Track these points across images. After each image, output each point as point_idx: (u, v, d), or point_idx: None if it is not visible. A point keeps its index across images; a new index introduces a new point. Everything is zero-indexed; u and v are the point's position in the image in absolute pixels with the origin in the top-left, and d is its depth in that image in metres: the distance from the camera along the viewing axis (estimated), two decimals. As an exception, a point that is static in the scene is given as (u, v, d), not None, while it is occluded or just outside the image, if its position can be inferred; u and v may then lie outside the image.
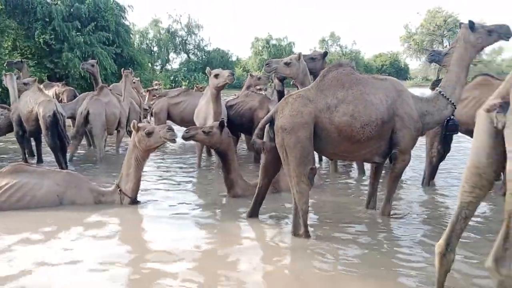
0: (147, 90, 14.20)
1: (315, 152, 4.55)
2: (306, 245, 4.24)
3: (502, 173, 3.07)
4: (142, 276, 3.61)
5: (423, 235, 4.52)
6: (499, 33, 4.74)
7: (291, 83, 6.77)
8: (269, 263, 3.87)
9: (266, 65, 6.49)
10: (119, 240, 4.46)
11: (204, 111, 7.46)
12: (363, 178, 7.03)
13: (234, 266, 3.81)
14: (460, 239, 3.13)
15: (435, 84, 6.51)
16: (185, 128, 6.10)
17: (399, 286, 3.42)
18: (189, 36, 52.46)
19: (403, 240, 4.38)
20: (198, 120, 7.56)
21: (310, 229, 4.48)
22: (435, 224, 4.81)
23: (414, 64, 57.00)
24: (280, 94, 7.36)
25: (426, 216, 5.17)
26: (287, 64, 6.33)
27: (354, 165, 7.64)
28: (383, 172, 5.73)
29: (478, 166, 2.99)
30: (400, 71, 56.91)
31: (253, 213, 5.01)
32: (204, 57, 51.45)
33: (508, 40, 4.82)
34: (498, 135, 2.91)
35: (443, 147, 6.48)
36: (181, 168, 7.97)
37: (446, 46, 40.43)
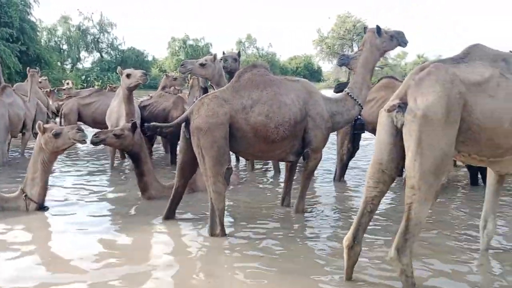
0: (49, 91, 13.00)
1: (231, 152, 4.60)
2: (223, 244, 4.27)
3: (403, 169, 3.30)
4: None
5: (335, 229, 4.74)
6: (398, 39, 5.09)
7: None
8: (185, 265, 3.85)
9: (181, 65, 6.44)
10: (23, 250, 4.18)
11: (116, 112, 7.23)
12: (279, 177, 7.21)
13: (149, 270, 3.73)
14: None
15: (338, 87, 6.84)
16: (97, 130, 5.88)
17: (313, 277, 3.54)
18: (101, 34, 50.52)
19: (317, 235, 4.55)
20: (110, 121, 7.31)
21: (227, 228, 4.52)
22: (345, 218, 5.05)
23: (327, 66, 59.52)
24: (205, 91, 7.33)
25: (337, 211, 5.42)
26: (202, 65, 6.33)
27: (270, 164, 7.81)
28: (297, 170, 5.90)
29: (381, 163, 3.20)
30: (313, 73, 59.00)
31: (170, 215, 4.94)
32: (118, 56, 49.80)
33: (404, 46, 5.21)
34: (398, 133, 3.14)
35: (352, 145, 6.84)
36: (93, 171, 7.65)
37: (354, 50, 42.63)
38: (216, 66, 6.42)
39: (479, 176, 6.46)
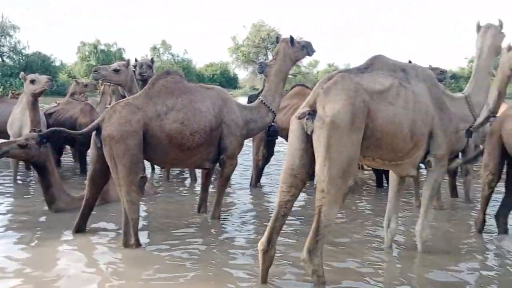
0: None
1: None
2: (138, 255, 4.16)
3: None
4: None
5: (251, 234, 4.81)
6: (307, 48, 5.31)
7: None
8: (96, 279, 3.70)
9: (94, 71, 6.21)
10: None
11: (19, 120, 6.78)
12: (195, 184, 7.17)
13: (57, 286, 3.54)
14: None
15: (250, 99, 6.96)
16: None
17: (229, 283, 3.57)
18: (2, 37, 47.07)
19: (233, 240, 4.60)
20: (12, 130, 6.84)
21: (143, 238, 4.42)
22: (261, 223, 5.14)
23: (243, 74, 60.18)
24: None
25: (253, 216, 5.51)
26: (116, 71, 6.14)
27: (186, 172, 7.76)
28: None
29: (293, 168, 3.32)
30: (230, 80, 59.44)
31: (80, 228, 4.72)
32: (22, 61, 46.63)
33: (311, 55, 5.46)
34: (308, 140, 3.27)
35: (267, 151, 6.99)
36: (-6, 184, 7.10)
37: (269, 58, 43.68)
38: (129, 72, 6.27)
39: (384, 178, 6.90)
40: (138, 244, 4.30)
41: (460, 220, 5.53)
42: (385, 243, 4.34)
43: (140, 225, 4.49)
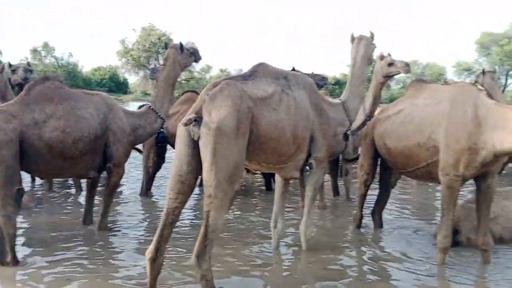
0: None
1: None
2: (16, 273, 3.86)
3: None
4: None
5: (141, 244, 4.69)
6: (195, 55, 5.35)
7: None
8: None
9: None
10: None
11: None
12: (80, 194, 6.83)
13: None
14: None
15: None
16: None
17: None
18: None
19: (121, 250, 4.47)
20: None
21: (22, 254, 4.11)
22: (150, 231, 5.04)
23: (133, 78, 58.35)
24: None
25: (142, 225, 5.39)
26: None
27: (71, 181, 7.35)
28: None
29: (181, 174, 3.32)
30: (120, 85, 57.33)
31: None
32: None
33: (198, 62, 5.53)
34: (195, 146, 3.30)
35: (158, 158, 6.89)
36: None
37: (160, 63, 42.82)
38: (3, 78, 5.80)
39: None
40: (15, 261, 3.98)
41: (341, 217, 5.92)
42: (273, 244, 4.51)
43: (19, 241, 4.17)
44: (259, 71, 3.87)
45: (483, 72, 9.12)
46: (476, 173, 3.92)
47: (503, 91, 44.99)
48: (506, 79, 49.68)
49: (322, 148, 4.24)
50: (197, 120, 3.28)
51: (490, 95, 8.99)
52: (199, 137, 3.26)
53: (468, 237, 4.58)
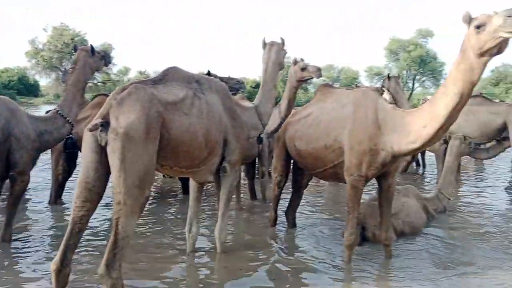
0: None
1: None
2: None
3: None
4: None
5: (48, 255, 4.47)
6: (106, 58, 5.22)
7: None
8: None
9: None
10: None
11: None
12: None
13: None
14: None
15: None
16: None
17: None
18: None
19: (26, 263, 4.22)
20: None
21: None
22: (57, 240, 4.82)
23: (45, 81, 55.14)
24: None
25: (51, 236, 5.13)
26: None
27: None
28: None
29: (88, 181, 3.21)
30: (30, 88, 53.93)
31: None
32: None
33: (108, 66, 5.40)
34: (103, 151, 3.21)
35: (68, 164, 6.59)
36: None
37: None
38: None
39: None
40: None
41: (257, 219, 6.03)
42: (188, 248, 4.50)
43: None
44: (170, 75, 3.85)
45: (389, 77, 9.75)
46: (378, 173, 4.18)
47: (410, 94, 48.28)
48: (413, 83, 53.20)
49: (236, 151, 4.30)
50: (104, 125, 3.20)
51: (395, 99, 9.65)
52: (106, 143, 3.18)
53: (374, 233, 4.86)
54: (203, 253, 4.60)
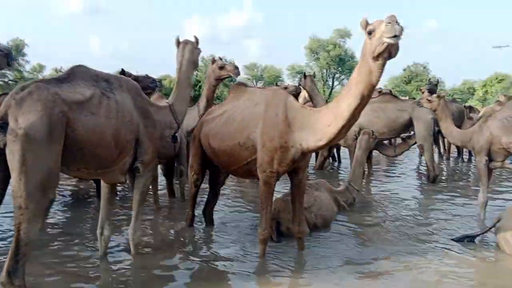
0: None
1: None
2: None
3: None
4: None
5: None
6: (9, 56, 4.95)
7: None
8: None
9: None
10: None
11: None
12: None
13: None
14: None
15: None
16: None
17: None
18: None
19: None
20: None
21: None
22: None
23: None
24: None
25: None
26: None
27: None
28: None
29: (-15, 185, 3.05)
30: None
31: None
32: None
33: (11, 66, 5.14)
34: (1, 153, 3.06)
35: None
36: None
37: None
38: None
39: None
40: None
41: (176, 219, 5.99)
42: (100, 251, 4.39)
43: None
44: (76, 74, 3.72)
45: (305, 76, 10.09)
46: (289, 169, 4.33)
47: (330, 92, 50.13)
48: (333, 82, 55.26)
49: (149, 150, 4.25)
50: (3, 126, 3.04)
51: (311, 96, 10.00)
52: (5, 145, 3.03)
53: (288, 227, 5.02)
54: (116, 255, 4.51)
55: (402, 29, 3.22)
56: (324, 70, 55.31)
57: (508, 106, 5.87)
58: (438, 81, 13.47)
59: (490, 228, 4.96)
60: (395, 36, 3.20)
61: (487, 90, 48.82)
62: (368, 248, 4.87)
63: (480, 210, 6.02)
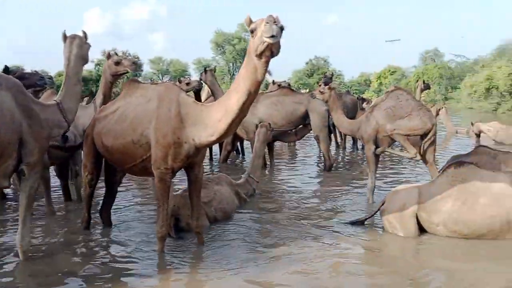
0: None
1: None
2: None
3: None
4: None
5: None
6: None
7: None
8: None
9: None
10: None
11: None
12: None
13: None
14: None
15: None
16: None
17: None
18: None
19: None
20: None
21: None
22: None
23: None
24: None
25: None
26: None
27: None
28: None
29: None
30: None
31: None
32: None
33: None
34: None
35: None
36: None
37: None
38: None
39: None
40: None
41: (72, 221, 5.74)
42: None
43: None
44: None
45: (205, 70, 10.14)
46: (183, 165, 4.34)
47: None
48: (239, 75, 55.70)
49: (34, 152, 4.04)
50: None
51: (212, 90, 10.06)
52: None
53: (188, 222, 5.04)
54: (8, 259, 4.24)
55: (280, 29, 3.34)
56: (231, 64, 55.80)
57: (391, 97, 6.34)
58: (333, 74, 14.19)
59: (376, 211, 5.37)
60: (272, 36, 3.32)
61: (381, 82, 52.25)
62: (267, 236, 5.04)
63: (368, 194, 6.47)
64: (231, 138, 9.61)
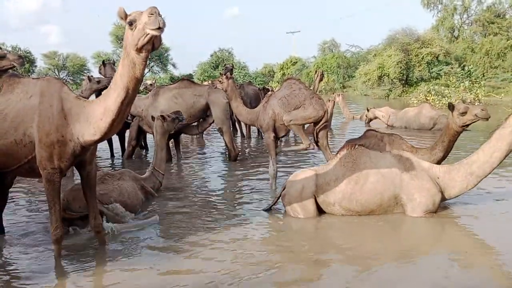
0: None
1: None
2: None
3: None
4: None
5: None
6: None
7: None
8: None
9: None
10: None
11: None
12: None
13: None
14: None
15: None
16: None
17: None
18: None
19: None
20: None
21: None
22: None
23: None
24: None
25: None
26: None
27: None
28: None
29: None
30: None
31: None
32: None
33: None
34: None
35: None
36: None
37: None
38: None
39: None
40: None
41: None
42: None
43: None
44: None
45: (104, 63, 9.72)
46: (71, 164, 4.09)
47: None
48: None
49: None
50: None
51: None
52: None
53: (81, 216, 4.88)
54: None
55: (164, 21, 3.26)
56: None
57: (285, 86, 6.53)
58: (233, 66, 14.25)
59: (279, 197, 5.51)
60: (159, 28, 3.23)
61: (284, 73, 53.62)
62: (182, 229, 5.03)
63: (271, 180, 6.62)
64: (136, 133, 9.34)
